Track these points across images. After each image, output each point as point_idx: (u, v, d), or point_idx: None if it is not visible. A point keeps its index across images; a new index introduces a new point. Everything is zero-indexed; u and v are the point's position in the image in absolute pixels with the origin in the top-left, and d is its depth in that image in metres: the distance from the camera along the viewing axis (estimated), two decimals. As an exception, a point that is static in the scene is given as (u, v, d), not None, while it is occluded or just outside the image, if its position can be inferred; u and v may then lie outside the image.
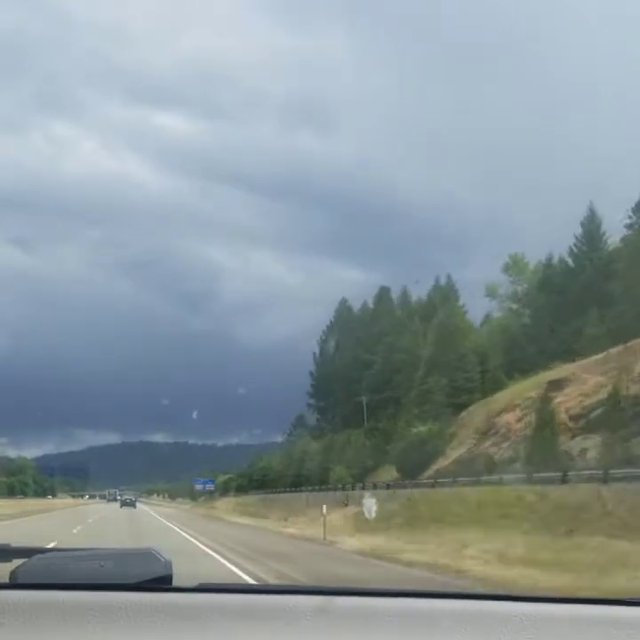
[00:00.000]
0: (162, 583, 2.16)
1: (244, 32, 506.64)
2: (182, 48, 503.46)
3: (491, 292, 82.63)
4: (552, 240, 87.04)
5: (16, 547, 2.52)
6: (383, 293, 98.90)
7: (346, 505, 41.65)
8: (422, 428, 62.09)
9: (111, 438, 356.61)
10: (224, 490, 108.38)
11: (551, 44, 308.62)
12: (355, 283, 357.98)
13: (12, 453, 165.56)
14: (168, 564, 2.21)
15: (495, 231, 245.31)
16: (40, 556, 2.23)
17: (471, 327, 78.54)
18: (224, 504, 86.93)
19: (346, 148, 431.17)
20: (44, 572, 2.14)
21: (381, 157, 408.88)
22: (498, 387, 67.64)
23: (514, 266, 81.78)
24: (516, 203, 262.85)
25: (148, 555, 2.22)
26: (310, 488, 68.02)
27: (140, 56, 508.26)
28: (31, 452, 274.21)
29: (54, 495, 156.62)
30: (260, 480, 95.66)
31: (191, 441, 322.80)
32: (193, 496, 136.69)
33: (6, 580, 2.17)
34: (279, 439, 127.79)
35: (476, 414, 63.02)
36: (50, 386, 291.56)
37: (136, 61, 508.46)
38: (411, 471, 57.49)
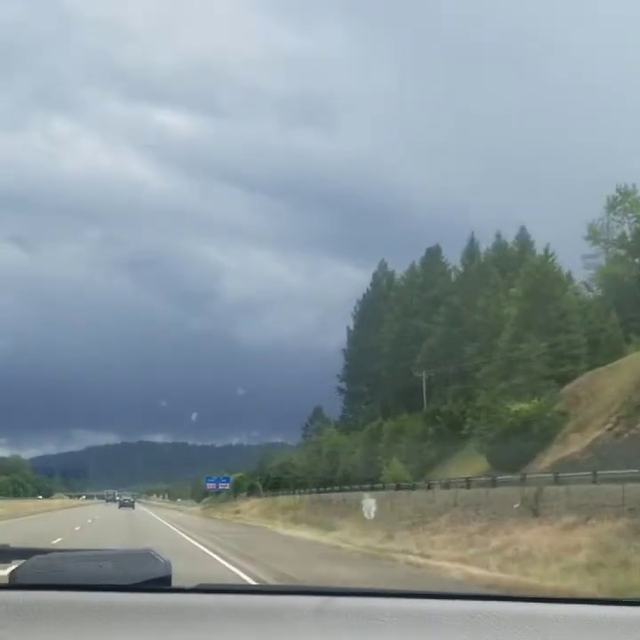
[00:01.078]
0: (161, 584, 2.11)
1: (244, 30, 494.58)
2: (182, 46, 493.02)
3: (593, 235, 63.08)
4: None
5: (15, 547, 2.46)
6: (434, 252, 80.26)
7: (535, 513, 22.82)
8: (525, 406, 43.61)
9: (110, 438, 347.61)
10: (235, 490, 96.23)
11: (552, 42, 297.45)
12: (355, 282, 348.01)
13: (5, 452, 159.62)
14: (167, 565, 2.15)
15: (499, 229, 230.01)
16: (39, 556, 2.18)
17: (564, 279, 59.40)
18: (249, 506, 68.35)
19: (346, 146, 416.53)
20: (43, 573, 2.09)
21: (382, 156, 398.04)
22: (616, 350, 49.09)
23: (623, 201, 62.20)
24: (519, 200, 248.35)
25: (147, 555, 2.17)
26: (356, 487, 52.10)
27: (141, 54, 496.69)
28: (31, 452, 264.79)
29: (50, 495, 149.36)
30: (279, 479, 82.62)
31: (190, 442, 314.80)
32: (197, 496, 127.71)
33: (6, 580, 2.13)
34: (279, 439, 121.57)
35: (603, 385, 44.71)
36: (49, 386, 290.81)
37: (136, 59, 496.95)
38: (511, 462, 42.42)
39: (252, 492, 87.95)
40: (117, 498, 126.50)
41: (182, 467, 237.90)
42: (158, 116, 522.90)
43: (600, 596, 2.62)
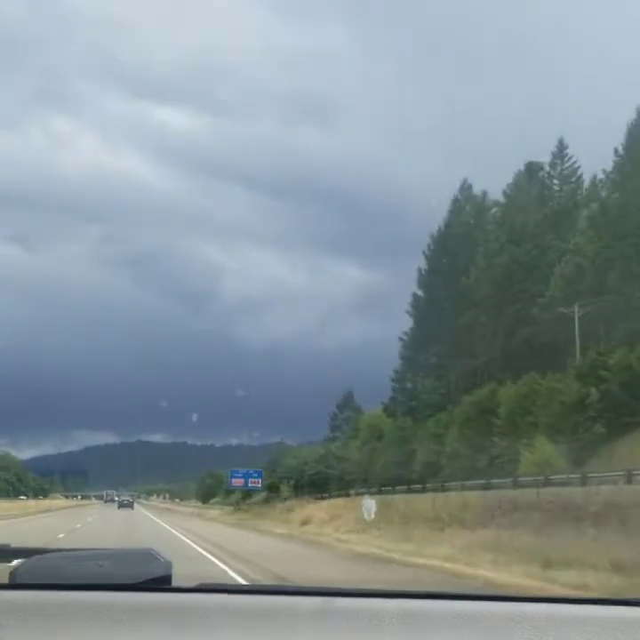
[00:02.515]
0: (161, 583, 2.08)
1: (244, 27, 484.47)
2: (183, 43, 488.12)
3: None
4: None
5: (16, 547, 2.43)
6: (554, 155, 59.79)
7: None
8: None
9: (109, 438, 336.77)
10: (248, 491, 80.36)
11: (552, 37, 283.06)
12: (357, 281, 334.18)
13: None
14: (168, 564, 2.12)
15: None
16: (40, 556, 2.15)
17: None
18: (327, 515, 43.55)
19: (348, 144, 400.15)
20: (43, 573, 2.06)
21: (384, 154, 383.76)
22: None
23: None
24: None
25: (147, 555, 2.13)
26: (497, 482, 33.99)
27: (141, 51, 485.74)
28: (29, 452, 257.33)
29: (46, 496, 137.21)
30: (320, 475, 66.95)
31: (190, 441, 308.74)
32: (203, 497, 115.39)
33: (6, 580, 2.09)
34: (279, 439, 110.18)
35: None
36: (48, 386, 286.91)
37: (136, 57, 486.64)
38: None
39: (273, 491, 73.97)
40: (116, 498, 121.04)
41: (182, 466, 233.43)
42: (158, 114, 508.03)
43: (600, 596, 2.10)
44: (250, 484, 74.03)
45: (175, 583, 2.10)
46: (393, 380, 75.23)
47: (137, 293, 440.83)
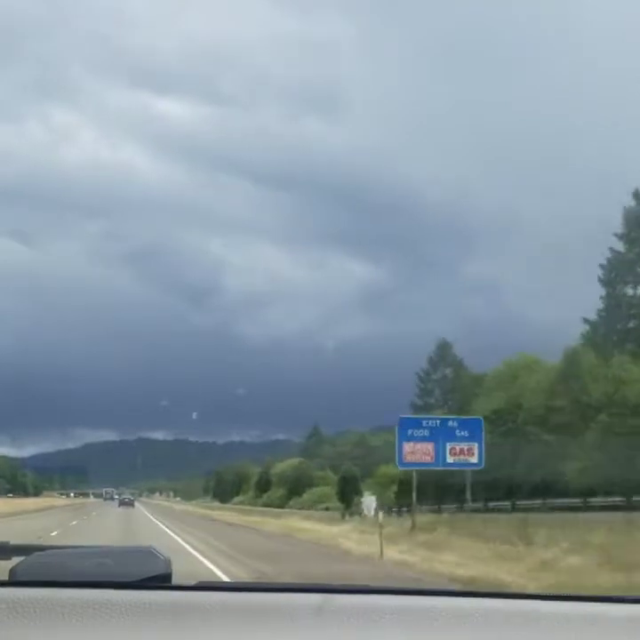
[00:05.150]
0: (161, 581, 2.08)
1: (248, 16, 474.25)
2: (185, 33, 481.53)
3: None
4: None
5: (15, 544, 2.38)
6: None
7: None
8: None
9: (109, 436, 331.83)
10: (289, 488, 65.62)
11: (555, 32, 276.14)
12: (360, 276, 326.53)
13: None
14: (168, 563, 2.11)
15: (504, 224, 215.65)
16: (39, 553, 2.13)
17: None
18: None
19: (353, 136, 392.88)
20: (43, 570, 2.04)
21: (389, 147, 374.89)
22: None
23: None
24: (525, 195, 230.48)
25: (147, 553, 2.13)
26: None
27: (142, 41, 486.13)
28: (29, 450, 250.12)
29: (38, 494, 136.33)
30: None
31: (191, 438, 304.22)
32: (223, 496, 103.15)
33: (6, 577, 2.07)
34: (281, 436, 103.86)
35: None
36: (47, 383, 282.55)
37: (137, 46, 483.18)
38: None
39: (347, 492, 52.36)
40: (116, 496, 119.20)
41: (183, 464, 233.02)
42: (160, 106, 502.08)
43: (603, 593, 2.18)
44: (450, 458, 29.69)
45: (175, 581, 2.08)
46: (603, 283, 51.84)
47: (138, 289, 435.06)
